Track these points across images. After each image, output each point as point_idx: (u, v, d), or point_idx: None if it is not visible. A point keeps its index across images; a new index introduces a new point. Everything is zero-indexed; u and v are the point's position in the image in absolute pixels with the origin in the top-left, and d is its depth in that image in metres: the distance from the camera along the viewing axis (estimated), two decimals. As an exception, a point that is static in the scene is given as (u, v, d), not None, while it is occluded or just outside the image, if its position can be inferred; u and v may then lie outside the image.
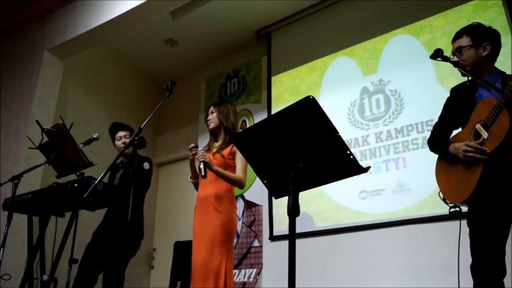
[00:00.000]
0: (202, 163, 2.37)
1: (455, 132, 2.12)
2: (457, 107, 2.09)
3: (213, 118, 2.72)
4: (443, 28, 3.41)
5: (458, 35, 2.09)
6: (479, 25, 2.08)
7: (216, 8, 4.26)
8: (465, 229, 1.92)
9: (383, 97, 3.61)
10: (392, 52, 3.67)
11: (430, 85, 3.32)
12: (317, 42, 4.19)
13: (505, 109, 1.75)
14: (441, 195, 2.02)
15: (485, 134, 1.82)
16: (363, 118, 3.68)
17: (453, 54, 2.09)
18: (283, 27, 4.51)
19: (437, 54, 2.01)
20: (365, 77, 3.76)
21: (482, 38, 2.02)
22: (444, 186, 2.02)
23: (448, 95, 2.20)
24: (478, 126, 1.87)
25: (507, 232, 1.81)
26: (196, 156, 2.43)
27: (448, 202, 1.98)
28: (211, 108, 2.77)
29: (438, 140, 2.09)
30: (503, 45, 3.00)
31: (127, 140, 3.07)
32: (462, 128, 2.05)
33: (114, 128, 3.23)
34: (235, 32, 4.67)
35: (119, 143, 3.16)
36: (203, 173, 2.35)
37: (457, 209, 1.95)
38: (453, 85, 2.22)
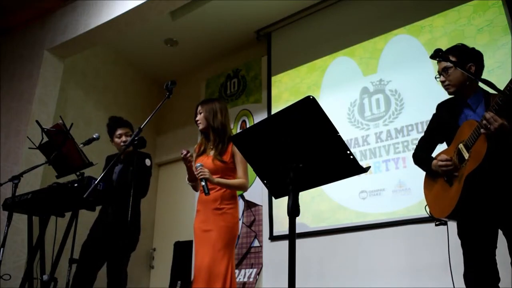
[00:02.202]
0: (203, 180, 2.30)
1: (440, 147, 2.20)
2: (442, 124, 2.15)
3: (201, 118, 2.63)
4: (443, 28, 3.41)
5: (438, 54, 2.09)
6: (463, 46, 2.11)
7: (216, 8, 4.26)
8: (453, 231, 2.02)
9: (383, 97, 3.61)
10: (392, 52, 3.67)
11: (430, 85, 3.31)
12: (317, 42, 4.19)
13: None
14: (427, 209, 2.10)
15: (466, 155, 1.90)
16: (363, 118, 3.68)
17: (440, 74, 2.11)
18: (283, 27, 4.51)
19: (437, 54, 2.02)
20: (365, 77, 3.76)
21: (467, 58, 2.04)
22: (429, 201, 2.12)
23: (448, 95, 2.21)
24: (460, 146, 1.95)
25: (494, 242, 1.89)
26: (196, 173, 2.37)
27: (433, 216, 2.06)
28: (198, 108, 2.69)
29: (421, 157, 2.19)
30: (503, 45, 3.02)
31: (127, 139, 3.04)
32: (447, 145, 2.11)
33: (113, 124, 3.15)
34: (235, 32, 4.67)
35: (118, 140, 3.09)
36: (206, 191, 2.26)
37: (442, 223, 2.05)
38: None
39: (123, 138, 3.07)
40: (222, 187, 2.48)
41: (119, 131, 3.11)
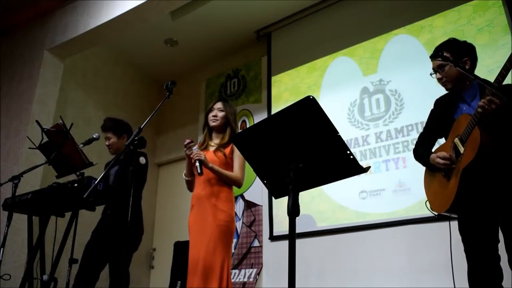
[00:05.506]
0: (197, 161, 2.36)
1: (440, 141, 2.21)
2: (439, 120, 2.18)
3: (220, 116, 2.62)
4: (443, 28, 3.41)
5: (437, 53, 2.10)
6: (455, 40, 2.13)
7: (216, 8, 4.26)
8: (456, 231, 2.01)
9: (383, 97, 3.61)
10: (392, 52, 3.67)
11: (430, 85, 3.30)
12: (317, 42, 4.19)
13: (477, 125, 1.83)
14: (428, 204, 2.12)
15: (461, 149, 1.92)
16: (363, 118, 3.68)
17: (435, 71, 2.12)
18: (283, 27, 4.51)
19: (437, 54, 2.03)
20: (365, 77, 3.76)
21: (461, 53, 2.06)
22: (429, 197, 2.14)
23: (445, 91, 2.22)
24: (456, 140, 1.97)
25: (495, 237, 1.89)
26: (191, 155, 2.41)
27: (433, 211, 2.08)
28: (220, 105, 2.65)
29: (421, 152, 2.21)
30: (503, 45, 3.02)
31: (110, 142, 3.07)
32: (445, 139, 2.12)
33: (103, 128, 3.17)
34: (235, 32, 4.67)
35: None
36: (199, 170, 2.34)
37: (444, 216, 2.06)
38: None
39: (106, 143, 3.10)
40: (215, 175, 2.47)
41: (104, 135, 3.14)
